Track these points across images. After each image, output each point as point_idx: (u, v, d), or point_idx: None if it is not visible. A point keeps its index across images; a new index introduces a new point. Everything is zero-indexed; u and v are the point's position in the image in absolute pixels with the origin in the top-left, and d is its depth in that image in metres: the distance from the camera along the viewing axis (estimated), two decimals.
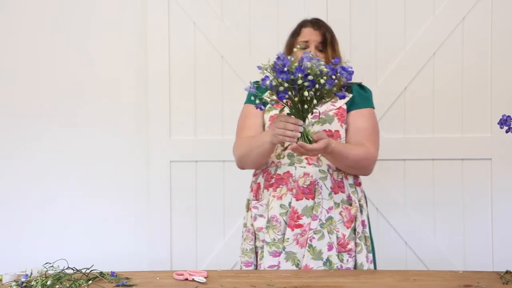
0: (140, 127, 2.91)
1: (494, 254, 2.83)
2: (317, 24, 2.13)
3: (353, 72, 1.79)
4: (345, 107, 2.06)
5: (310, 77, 1.71)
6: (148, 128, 2.89)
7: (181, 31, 2.88)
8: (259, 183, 2.10)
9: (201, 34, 2.88)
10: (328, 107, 2.04)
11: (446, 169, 2.84)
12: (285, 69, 1.73)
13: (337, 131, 2.03)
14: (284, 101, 1.80)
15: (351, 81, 1.90)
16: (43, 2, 2.90)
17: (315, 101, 1.78)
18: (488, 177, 2.82)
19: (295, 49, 2.04)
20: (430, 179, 2.85)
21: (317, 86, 1.73)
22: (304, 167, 2.01)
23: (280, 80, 1.73)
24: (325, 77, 1.73)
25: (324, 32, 2.10)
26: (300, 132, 1.80)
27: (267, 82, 1.76)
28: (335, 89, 1.77)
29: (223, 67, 2.88)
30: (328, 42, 2.09)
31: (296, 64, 1.74)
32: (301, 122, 1.81)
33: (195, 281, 1.76)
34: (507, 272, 1.82)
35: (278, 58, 1.76)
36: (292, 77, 1.72)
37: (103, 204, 2.92)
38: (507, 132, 1.83)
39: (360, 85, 2.13)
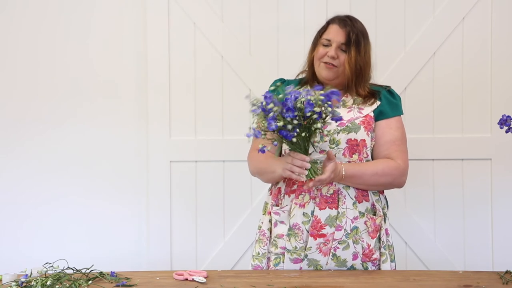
0: (140, 127, 2.91)
1: (494, 254, 2.82)
2: (343, 22, 2.01)
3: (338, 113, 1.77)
4: (372, 114, 2.00)
5: (317, 109, 1.68)
6: (148, 128, 2.89)
7: (181, 31, 2.87)
8: (279, 187, 2.03)
9: (201, 34, 2.87)
10: (354, 115, 1.98)
11: (446, 169, 2.84)
12: (290, 105, 1.68)
13: (363, 140, 1.97)
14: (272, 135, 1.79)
15: (380, 85, 2.03)
16: (42, 2, 2.90)
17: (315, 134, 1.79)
18: (488, 177, 2.82)
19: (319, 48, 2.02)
20: (430, 179, 2.85)
21: (324, 116, 1.71)
22: None
23: (288, 119, 1.69)
24: (326, 105, 1.71)
25: (348, 32, 1.98)
26: (307, 169, 1.79)
27: (273, 126, 1.70)
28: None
29: (223, 67, 2.88)
30: (352, 42, 1.97)
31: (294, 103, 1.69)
32: (308, 158, 1.79)
33: (195, 281, 1.76)
34: (507, 272, 1.83)
35: (266, 97, 1.72)
36: (298, 113, 1.68)
37: (103, 204, 2.91)
38: (507, 132, 1.83)
39: (389, 91, 2.08)
